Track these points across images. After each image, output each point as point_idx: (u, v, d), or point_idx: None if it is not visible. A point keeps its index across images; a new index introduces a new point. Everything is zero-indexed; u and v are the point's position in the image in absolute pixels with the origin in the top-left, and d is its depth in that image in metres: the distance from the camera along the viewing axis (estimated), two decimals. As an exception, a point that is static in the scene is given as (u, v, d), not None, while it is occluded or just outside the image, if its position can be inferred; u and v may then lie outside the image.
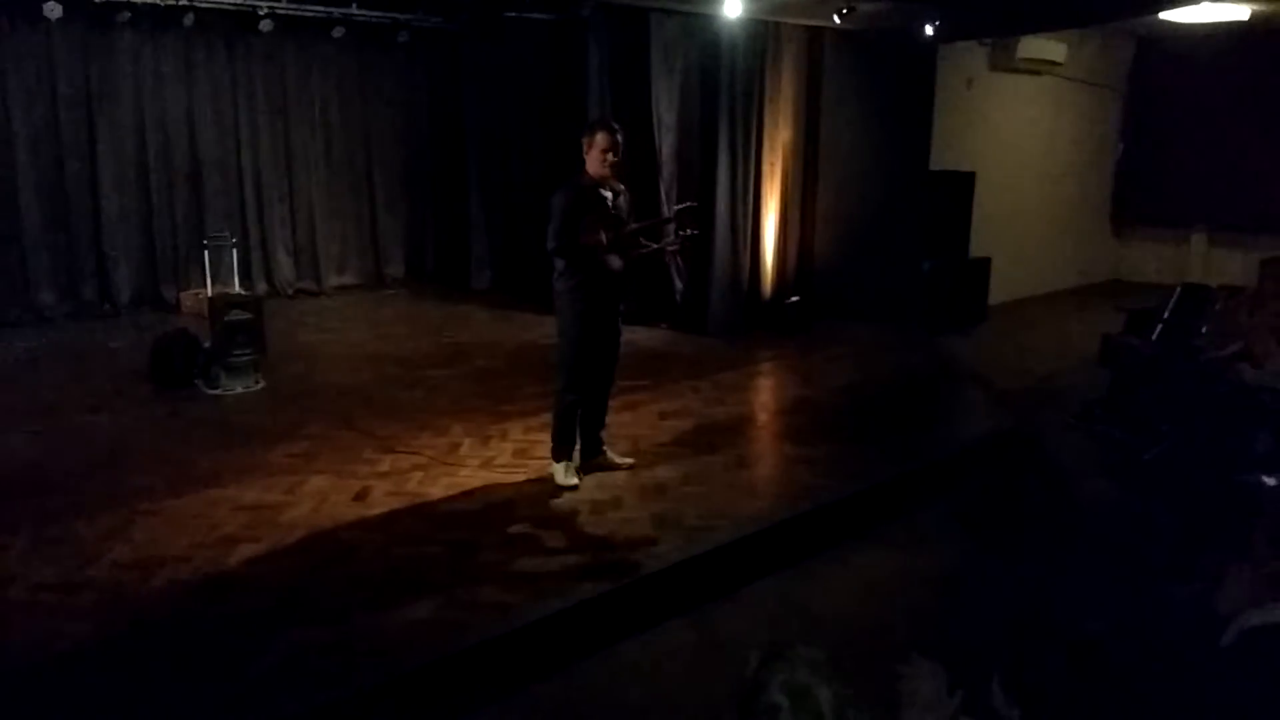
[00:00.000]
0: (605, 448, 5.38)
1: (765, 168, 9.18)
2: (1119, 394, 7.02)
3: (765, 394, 7.65)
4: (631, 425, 6.14)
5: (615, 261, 4.97)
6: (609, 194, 4.96)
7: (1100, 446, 6.61)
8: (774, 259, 9.40)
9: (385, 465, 5.47)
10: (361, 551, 4.39)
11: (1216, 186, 11.99)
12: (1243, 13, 9.37)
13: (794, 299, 9.38)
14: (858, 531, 5.14)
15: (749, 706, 1.70)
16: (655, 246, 5.37)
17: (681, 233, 5.39)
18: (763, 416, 6.98)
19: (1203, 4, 8.72)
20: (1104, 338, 7.49)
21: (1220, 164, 11.89)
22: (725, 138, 8.76)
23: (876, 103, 9.50)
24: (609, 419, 5.50)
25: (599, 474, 5.31)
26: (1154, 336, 7.03)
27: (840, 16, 7.92)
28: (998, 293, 10.51)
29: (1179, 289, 7.32)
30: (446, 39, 10.92)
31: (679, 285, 9.10)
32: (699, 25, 8.45)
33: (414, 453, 5.66)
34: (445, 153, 11.53)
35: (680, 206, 6.77)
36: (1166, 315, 7.10)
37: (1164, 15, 9.16)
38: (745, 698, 1.72)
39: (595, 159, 4.91)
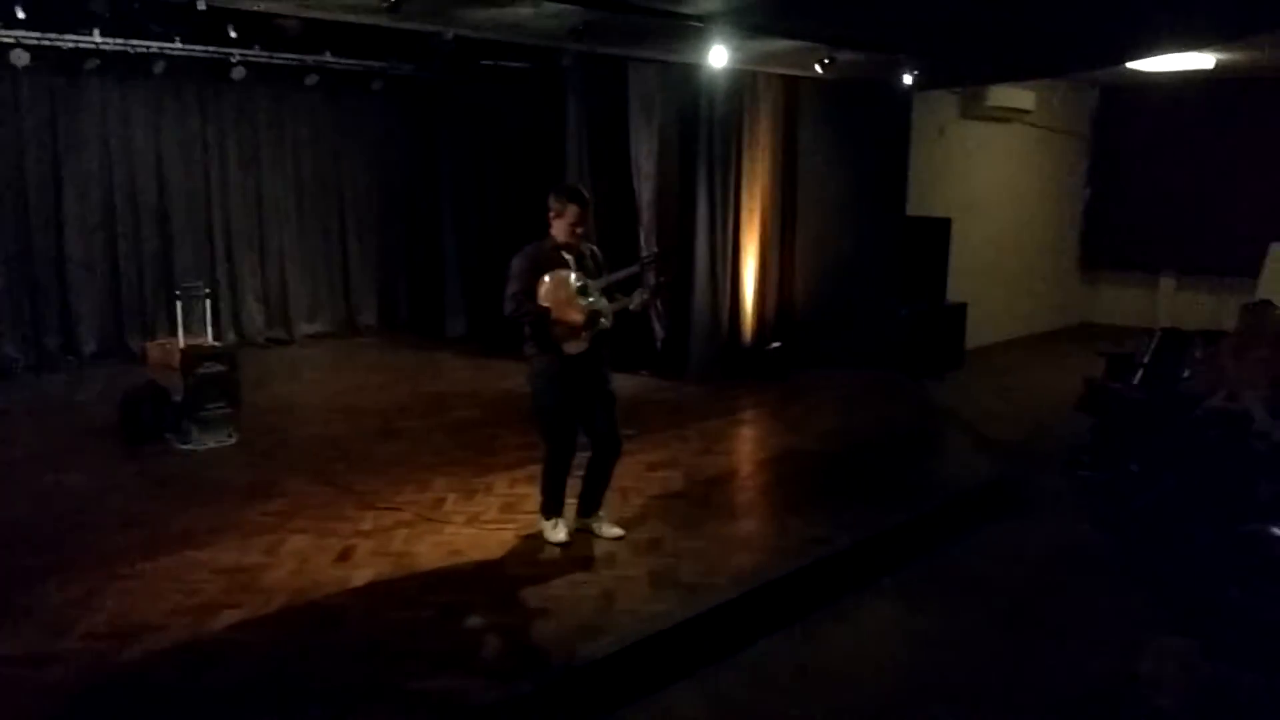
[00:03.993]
0: (600, 513, 5.16)
1: (744, 215, 9.18)
2: (1104, 440, 7.03)
3: (751, 443, 7.57)
4: (619, 477, 5.90)
5: (574, 346, 4.74)
6: (572, 257, 4.81)
7: (1088, 494, 6.60)
8: (753, 305, 9.37)
9: (367, 523, 5.28)
10: (348, 618, 4.20)
11: (1183, 230, 12.25)
12: (1208, 61, 9.61)
13: (774, 345, 9.35)
14: (855, 585, 5.04)
15: None
16: (628, 304, 4.92)
17: (655, 280, 5.27)
18: (751, 467, 6.88)
19: (1166, 54, 8.93)
20: (1086, 383, 7.51)
21: (1186, 208, 12.16)
22: (704, 185, 8.76)
23: (853, 150, 9.58)
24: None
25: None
26: (1135, 381, 7.07)
27: (821, 66, 7.97)
28: (973, 337, 10.58)
29: (1159, 334, 7.37)
30: (421, 87, 10.88)
31: (659, 332, 9.04)
32: (678, 74, 8.48)
33: (396, 509, 5.48)
34: (419, 200, 11.44)
35: (646, 257, 6.69)
36: (1147, 360, 7.15)
37: (1131, 65, 9.35)
38: None
39: (564, 228, 4.77)
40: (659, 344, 9.05)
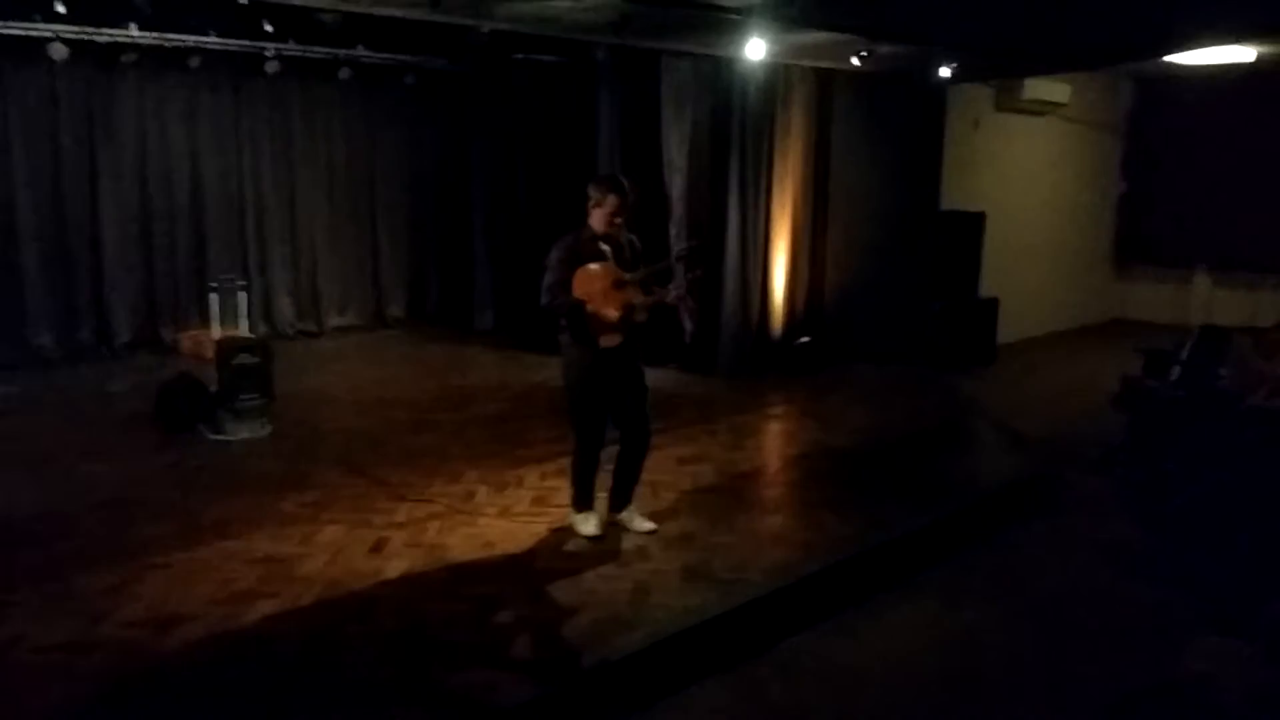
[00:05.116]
0: (630, 507, 5.15)
1: (775, 208, 9.13)
2: (1140, 438, 6.92)
3: (782, 438, 7.52)
4: (650, 471, 5.91)
5: (609, 339, 4.73)
6: (610, 247, 4.79)
7: (1125, 492, 6.51)
8: (784, 299, 9.32)
9: (400, 515, 5.30)
10: (382, 608, 4.22)
11: (1219, 226, 12.04)
12: (1249, 54, 9.43)
13: (804, 339, 9.29)
14: (888, 583, 4.99)
15: None
16: (664, 298, 4.85)
17: (688, 275, 5.24)
18: (782, 462, 6.84)
19: (1209, 46, 8.77)
20: (1122, 380, 7.40)
21: (1223, 204, 11.95)
22: (736, 178, 8.72)
23: (886, 143, 9.49)
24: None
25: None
26: (1172, 379, 6.95)
27: (858, 59, 7.90)
28: (1005, 333, 10.46)
29: (1197, 330, 7.24)
30: (454, 81, 10.89)
31: (689, 326, 9.00)
32: (711, 68, 8.44)
33: (428, 501, 5.50)
34: (450, 193, 11.47)
35: (681, 250, 6.65)
36: (1185, 357, 7.03)
37: (1170, 58, 9.19)
38: None
39: (602, 218, 4.75)
40: (688, 338, 9.02)
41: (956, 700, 4.03)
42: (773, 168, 9.02)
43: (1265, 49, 9.26)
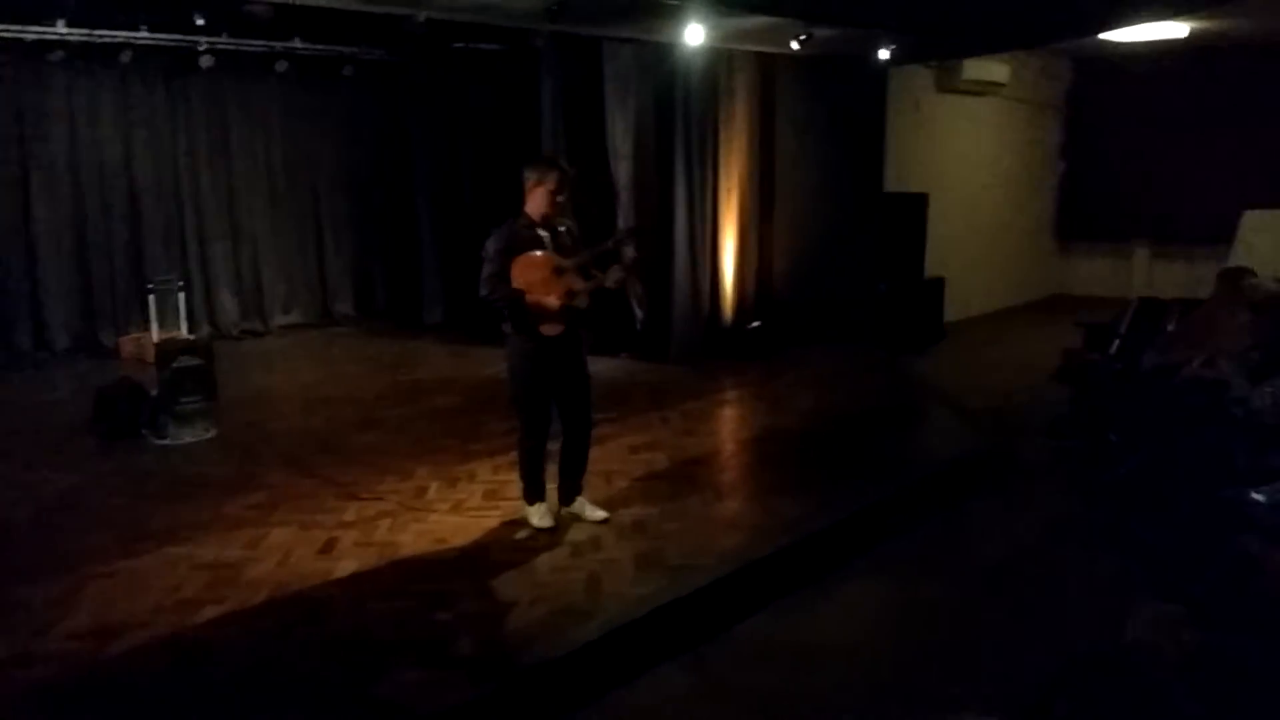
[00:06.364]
0: (580, 497, 5.14)
1: (722, 194, 9.15)
2: (1082, 410, 7.07)
3: (734, 423, 7.56)
4: (601, 460, 5.96)
5: (551, 328, 4.70)
6: (547, 233, 4.74)
7: (1069, 464, 6.64)
8: (734, 284, 9.36)
9: (350, 514, 5.24)
10: (333, 610, 4.17)
11: (1157, 201, 12.32)
12: (1181, 30, 9.62)
13: (755, 324, 9.34)
14: (842, 562, 5.05)
15: None
16: (604, 282, 4.76)
17: (629, 257, 5.20)
18: (735, 446, 6.88)
19: (1143, 23, 8.93)
20: (1064, 354, 7.55)
21: (1160, 178, 12.23)
22: (681, 164, 8.72)
23: (829, 126, 9.55)
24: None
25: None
26: (1113, 351, 7.11)
27: (798, 43, 7.92)
28: (951, 311, 10.61)
29: (1135, 303, 7.42)
30: (393, 72, 10.75)
31: (639, 314, 9.00)
32: (653, 53, 8.41)
33: (379, 499, 5.44)
34: (394, 186, 11.33)
35: (619, 234, 6.62)
36: (1124, 330, 7.19)
37: (1105, 35, 9.35)
38: None
39: (542, 198, 4.70)
40: (640, 326, 9.02)
41: (911, 672, 4.08)
42: (718, 153, 9.04)
43: (1197, 24, 9.44)
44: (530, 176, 4.74)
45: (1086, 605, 4.53)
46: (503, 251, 4.66)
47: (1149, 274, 12.61)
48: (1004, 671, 4.05)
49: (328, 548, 4.79)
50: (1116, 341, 7.09)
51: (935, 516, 5.73)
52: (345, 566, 4.57)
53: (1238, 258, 9.12)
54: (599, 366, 5.76)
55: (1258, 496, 3.89)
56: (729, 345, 9.19)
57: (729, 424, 7.54)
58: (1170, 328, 6.85)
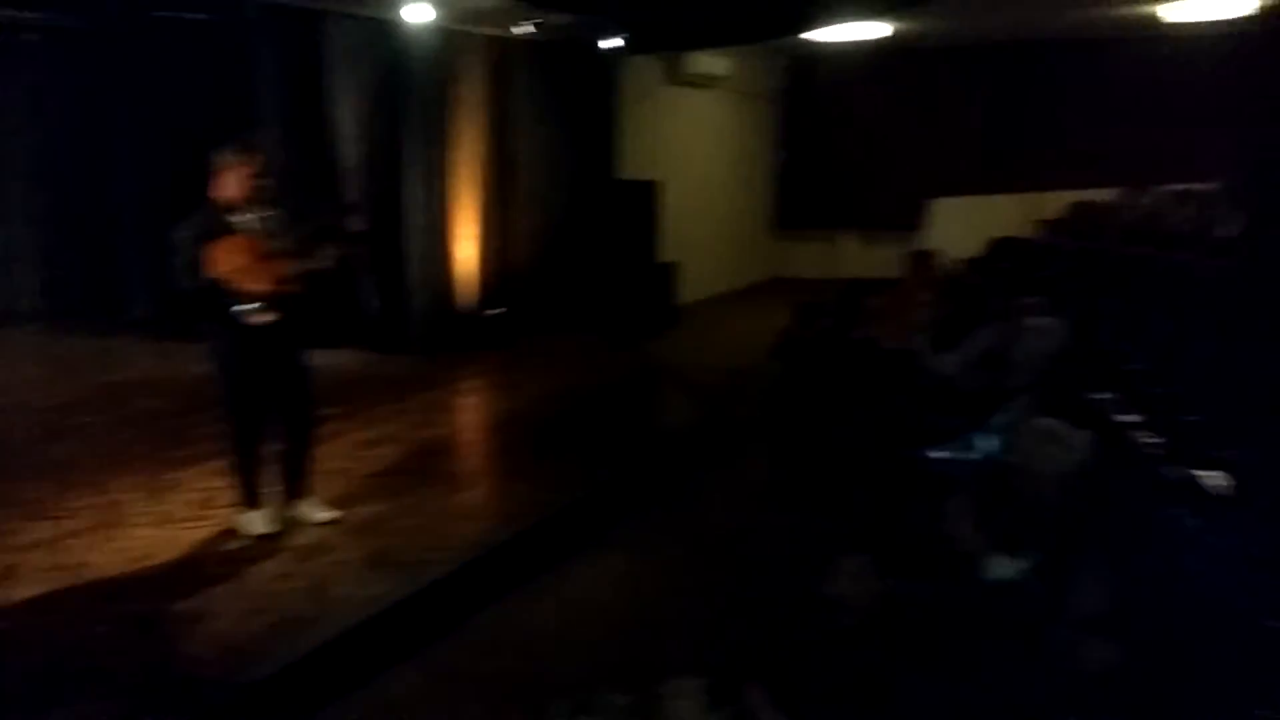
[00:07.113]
0: (306, 498, 4.85)
1: (457, 178, 8.95)
2: (794, 385, 7.61)
3: (471, 412, 7.46)
4: (331, 457, 5.67)
5: (258, 316, 4.39)
6: (252, 217, 4.46)
7: (783, 435, 7.11)
8: (472, 272, 9.21)
9: (33, 535, 4.65)
10: (15, 642, 3.69)
11: (861, 190, 13.45)
12: (885, 30, 10.48)
13: (495, 311, 9.26)
14: (578, 544, 5.11)
15: None
16: (318, 264, 4.54)
17: (346, 235, 4.95)
18: (471, 435, 6.80)
19: (847, 22, 9.67)
20: (778, 332, 8.08)
21: (863, 170, 13.35)
22: (412, 147, 8.45)
23: (563, 114, 9.62)
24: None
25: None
26: (820, 329, 7.70)
27: (528, 26, 7.87)
28: (685, 294, 11.04)
29: (845, 285, 8.08)
30: (87, 41, 9.61)
31: (374, 304, 8.66)
32: (381, 31, 8.06)
33: (69, 516, 4.87)
34: (90, 167, 10.14)
35: (331, 209, 6.36)
36: (831, 309, 7.81)
37: (814, 34, 10.02)
38: None
39: (240, 181, 4.42)
40: (375, 316, 8.68)
41: (642, 641, 4.20)
42: (450, 137, 8.83)
43: (898, 24, 10.31)
44: (226, 161, 4.42)
45: (795, 563, 4.85)
46: (197, 239, 4.32)
47: (857, 257, 13.73)
48: (718, 634, 4.26)
49: (8, 574, 4.23)
50: (825, 320, 7.68)
51: (667, 491, 5.93)
52: (25, 593, 4.05)
53: (927, 241, 10.17)
54: (328, 359, 5.47)
55: (936, 455, 4.33)
56: (470, 334, 9.04)
57: (465, 413, 7.44)
58: (871, 305, 7.51)
